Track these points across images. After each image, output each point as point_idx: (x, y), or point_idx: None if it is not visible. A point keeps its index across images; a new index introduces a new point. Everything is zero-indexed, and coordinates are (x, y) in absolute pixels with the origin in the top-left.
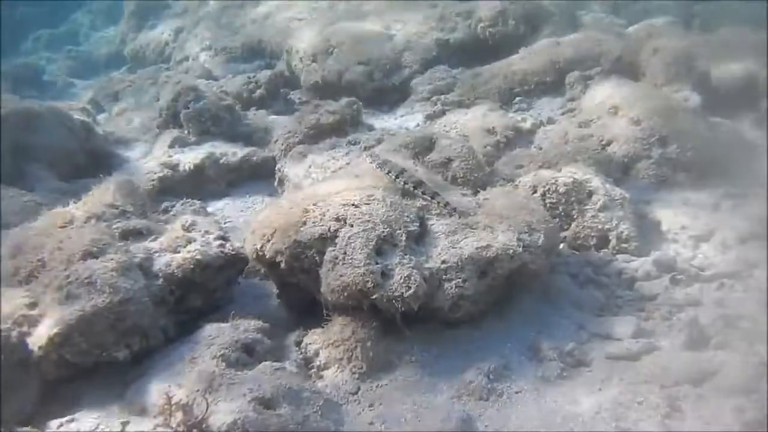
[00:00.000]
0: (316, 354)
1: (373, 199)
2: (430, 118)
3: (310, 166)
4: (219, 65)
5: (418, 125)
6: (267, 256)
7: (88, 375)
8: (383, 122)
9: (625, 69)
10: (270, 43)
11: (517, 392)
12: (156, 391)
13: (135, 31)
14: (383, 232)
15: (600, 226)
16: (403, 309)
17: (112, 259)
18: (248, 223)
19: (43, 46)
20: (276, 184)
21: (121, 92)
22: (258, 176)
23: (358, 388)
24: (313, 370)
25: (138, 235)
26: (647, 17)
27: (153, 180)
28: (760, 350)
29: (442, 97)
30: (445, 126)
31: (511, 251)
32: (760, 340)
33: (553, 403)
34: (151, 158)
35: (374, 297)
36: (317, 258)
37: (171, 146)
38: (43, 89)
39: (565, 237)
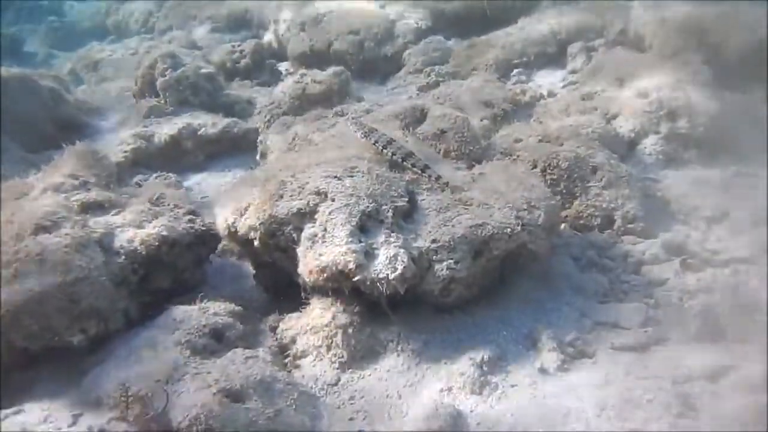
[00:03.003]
0: (293, 341)
1: (358, 171)
2: (423, 90)
3: (293, 139)
4: (204, 35)
5: (410, 98)
6: (240, 233)
7: (40, 362)
8: (374, 94)
9: (630, 40)
10: (257, 13)
11: (512, 386)
12: (113, 380)
13: (119, 2)
14: (368, 207)
15: (604, 205)
16: (388, 292)
17: (67, 234)
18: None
19: (26, 17)
20: (258, 157)
21: (100, 62)
22: (239, 149)
23: (338, 379)
24: (288, 359)
25: (99, 208)
26: None
27: (126, 151)
28: None
29: (436, 68)
30: (438, 98)
31: (509, 230)
32: None
33: (552, 399)
34: (125, 129)
35: (356, 279)
36: (295, 235)
37: (146, 116)
38: (24, 60)
39: (567, 216)
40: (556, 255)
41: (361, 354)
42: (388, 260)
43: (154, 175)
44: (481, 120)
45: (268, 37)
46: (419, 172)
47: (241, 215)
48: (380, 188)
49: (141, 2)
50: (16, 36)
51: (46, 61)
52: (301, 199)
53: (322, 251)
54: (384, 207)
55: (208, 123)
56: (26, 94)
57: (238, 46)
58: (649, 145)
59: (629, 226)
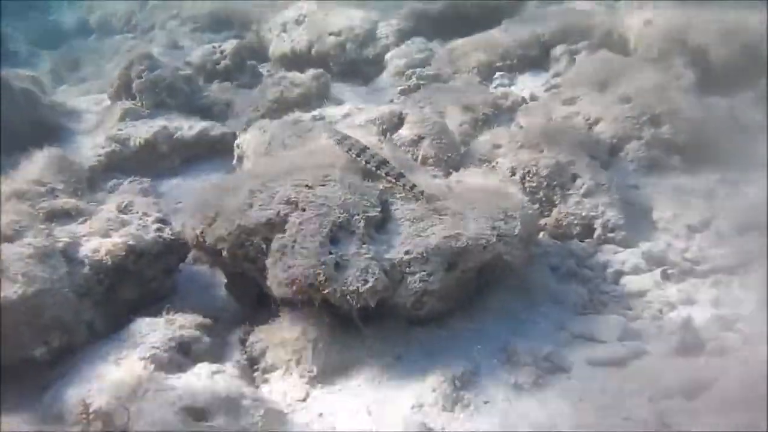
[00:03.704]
0: (262, 354)
1: (330, 180)
2: (405, 92)
3: (269, 143)
4: (185, 35)
5: (391, 101)
6: (208, 243)
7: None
8: (355, 96)
9: (614, 43)
10: (239, 13)
11: (485, 402)
12: (75, 395)
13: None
14: (339, 217)
15: (584, 213)
16: (359, 305)
17: (29, 244)
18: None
19: (10, 13)
20: (235, 161)
21: (81, 61)
22: (216, 153)
23: (307, 395)
24: (257, 372)
25: (65, 216)
26: None
27: (100, 155)
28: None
29: (418, 71)
30: (419, 101)
31: (484, 241)
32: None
33: (526, 416)
34: (100, 132)
35: (326, 292)
36: (264, 246)
37: (122, 119)
38: (6, 58)
39: (546, 225)
40: (534, 264)
41: (331, 368)
42: (359, 272)
43: (129, 179)
44: (461, 125)
45: (249, 37)
46: (393, 180)
47: (210, 225)
48: (353, 198)
49: (124, 1)
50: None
51: (29, 60)
52: (270, 209)
53: (291, 263)
54: (356, 217)
55: (185, 126)
56: None
57: (219, 46)
58: (632, 151)
59: (609, 234)
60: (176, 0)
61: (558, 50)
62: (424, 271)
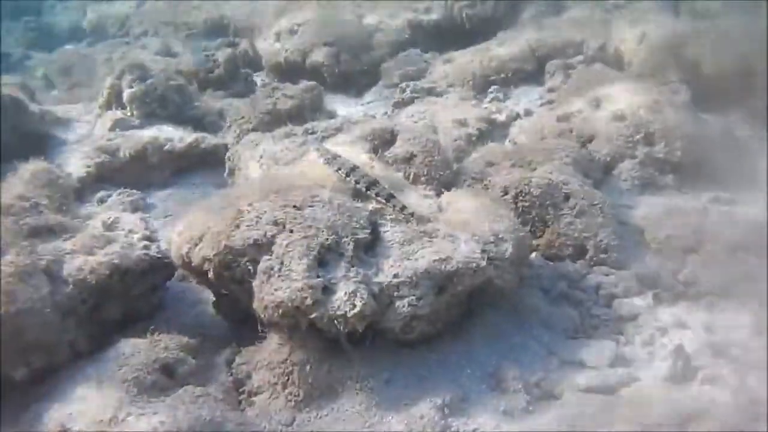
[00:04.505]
0: (248, 376)
1: (318, 201)
2: (398, 105)
3: (261, 157)
4: (179, 42)
5: (385, 113)
6: (194, 263)
7: None
8: (348, 109)
9: (609, 58)
10: (234, 20)
11: (474, 430)
12: (54, 419)
13: (96, 3)
14: (327, 239)
15: (577, 234)
16: (346, 330)
17: (11, 262)
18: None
19: (3, 15)
20: (226, 174)
21: (73, 67)
22: (207, 165)
23: (293, 419)
24: (243, 395)
25: (49, 233)
26: (634, 2)
27: (88, 166)
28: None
29: (412, 83)
30: (412, 115)
31: (474, 265)
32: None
33: None
34: (89, 142)
35: (313, 316)
36: (251, 267)
37: (112, 129)
38: None
39: (538, 245)
40: (525, 286)
41: (318, 392)
42: (347, 296)
43: (118, 191)
44: (455, 140)
45: (243, 46)
46: (383, 201)
47: (196, 245)
48: (341, 219)
49: (119, 5)
50: None
51: (20, 63)
52: (258, 230)
53: (277, 286)
54: (344, 239)
55: (176, 137)
56: None
57: (213, 55)
58: (625, 170)
59: (602, 256)
60: (170, 5)
61: (553, 65)
62: (414, 295)
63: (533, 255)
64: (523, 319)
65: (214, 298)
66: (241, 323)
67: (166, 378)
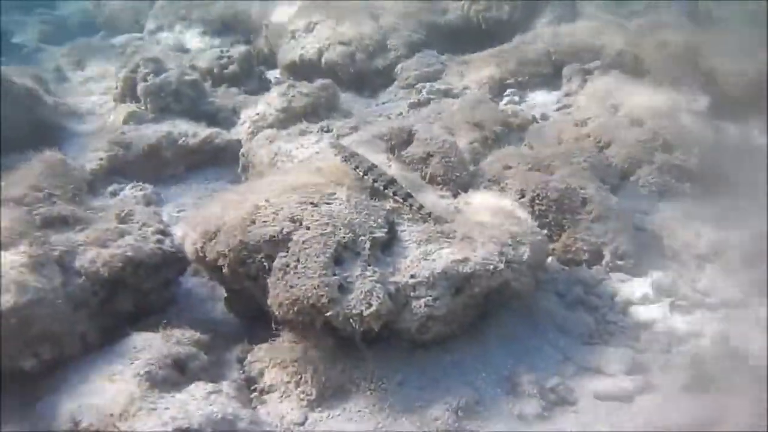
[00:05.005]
0: (261, 374)
1: (335, 199)
2: (414, 106)
3: (276, 154)
4: (193, 38)
5: (400, 114)
6: (208, 258)
7: None
8: (363, 107)
9: (626, 64)
10: (248, 16)
11: None
12: (64, 411)
13: None
14: (344, 237)
15: (593, 240)
16: (362, 329)
17: (24, 252)
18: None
19: (17, 7)
20: (240, 170)
21: (86, 60)
22: (221, 160)
23: (305, 418)
24: (255, 393)
25: (62, 224)
26: (651, 10)
27: (101, 159)
28: None
29: (428, 84)
30: (428, 116)
31: (492, 267)
32: None
33: None
34: (103, 134)
35: (329, 314)
36: (266, 264)
37: (125, 122)
38: (10, 53)
39: (554, 249)
40: (540, 290)
41: (331, 392)
42: (363, 295)
43: (130, 184)
44: (471, 143)
45: (258, 43)
46: (401, 200)
47: (211, 240)
48: (358, 217)
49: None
50: (4, 28)
51: (34, 55)
52: (274, 226)
53: (293, 283)
54: (361, 238)
55: (189, 132)
56: None
57: (227, 51)
58: (643, 176)
59: (618, 262)
60: (185, 0)
61: (570, 69)
62: (430, 295)
63: (549, 259)
64: (539, 323)
65: (226, 294)
66: (252, 320)
67: (177, 373)
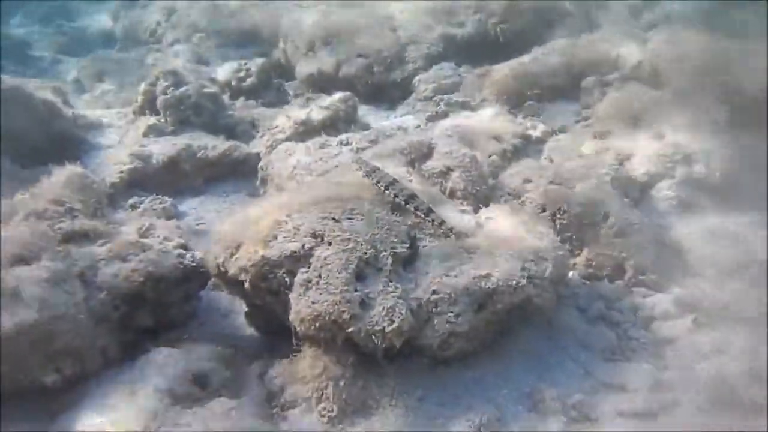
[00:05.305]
0: (282, 389)
1: (357, 213)
2: (432, 119)
3: (295, 167)
4: (211, 50)
5: (418, 127)
6: (229, 273)
7: (10, 403)
8: (381, 121)
9: (645, 76)
10: (266, 29)
11: None
12: (86, 427)
13: (128, 9)
14: (366, 253)
15: (615, 254)
16: (384, 345)
17: (46, 267)
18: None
19: (37, 19)
20: (258, 183)
21: (105, 72)
22: (239, 173)
23: None
24: (276, 409)
25: (84, 238)
26: (668, 23)
27: (121, 172)
28: None
29: (446, 97)
30: (447, 129)
31: (514, 283)
32: None
33: None
34: (122, 147)
35: (351, 330)
36: (287, 279)
37: (145, 135)
38: (28, 65)
39: (575, 264)
40: (562, 305)
41: (352, 408)
42: (385, 311)
43: (150, 197)
44: (490, 156)
45: (276, 55)
46: (422, 215)
47: (232, 255)
48: (380, 233)
49: (150, 11)
50: (23, 40)
51: (52, 67)
52: (295, 241)
53: (315, 299)
54: (383, 254)
55: (209, 145)
56: (18, 107)
57: (245, 64)
58: (664, 190)
59: (640, 277)
60: (203, 13)
61: (589, 81)
62: (452, 312)
63: (570, 274)
64: (560, 339)
65: (246, 309)
66: (273, 335)
67: (198, 389)
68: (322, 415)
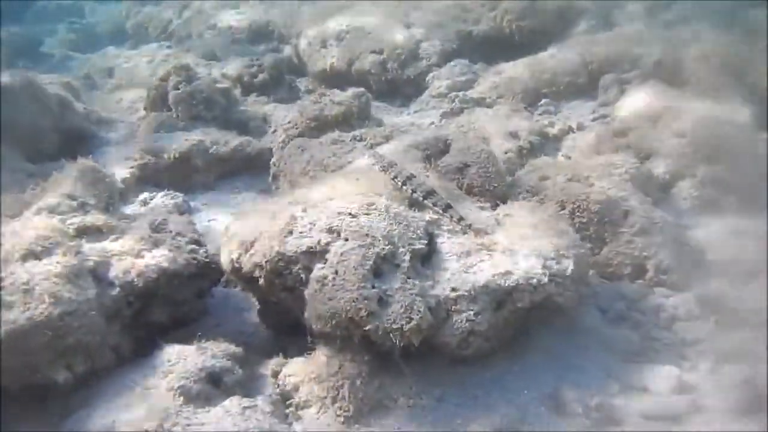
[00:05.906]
0: (296, 389)
1: (374, 209)
2: (446, 116)
3: (308, 163)
4: (223, 46)
5: (432, 123)
6: (244, 270)
7: (20, 401)
8: (394, 118)
9: (665, 74)
10: (278, 25)
11: None
12: (97, 426)
13: (140, 6)
14: (383, 249)
15: (636, 253)
16: (401, 344)
17: (58, 263)
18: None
19: (49, 16)
20: (270, 179)
21: (116, 68)
22: (252, 169)
23: None
24: (290, 408)
25: (96, 233)
26: (686, 22)
27: (132, 167)
28: None
29: (461, 94)
30: (462, 126)
31: (535, 281)
32: None
33: None
34: (133, 142)
35: (368, 328)
36: (303, 275)
37: (157, 130)
38: (40, 61)
39: (595, 263)
40: (582, 305)
41: (368, 408)
42: (403, 309)
43: (161, 193)
44: (506, 153)
45: (288, 51)
46: (440, 212)
47: (247, 251)
48: (398, 229)
49: (161, 7)
50: (34, 36)
51: (63, 63)
52: (311, 237)
53: (331, 296)
54: (401, 250)
55: (220, 141)
56: (30, 102)
57: (257, 60)
58: (685, 188)
59: (662, 276)
60: (214, 10)
61: (607, 79)
62: (471, 310)
63: (590, 273)
64: (581, 339)
65: (259, 306)
66: (286, 332)
67: (212, 387)
68: (338, 415)
